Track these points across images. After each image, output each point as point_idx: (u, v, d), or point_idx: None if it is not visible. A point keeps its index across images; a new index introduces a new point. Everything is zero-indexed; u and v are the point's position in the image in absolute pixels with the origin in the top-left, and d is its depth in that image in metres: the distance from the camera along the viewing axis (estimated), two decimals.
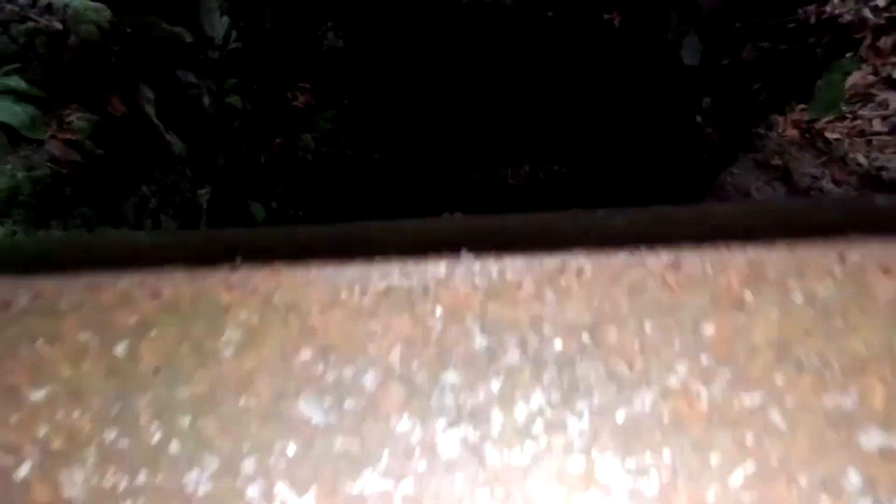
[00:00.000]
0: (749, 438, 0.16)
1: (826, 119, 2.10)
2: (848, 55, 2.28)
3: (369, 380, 0.15)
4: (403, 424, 0.15)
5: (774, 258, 0.15)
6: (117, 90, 2.62)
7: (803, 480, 0.16)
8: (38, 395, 0.17)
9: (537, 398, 0.16)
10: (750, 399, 0.16)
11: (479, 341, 0.15)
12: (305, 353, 0.16)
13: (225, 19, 3.92)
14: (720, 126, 3.99)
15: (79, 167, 2.13)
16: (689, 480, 0.16)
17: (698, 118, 4.17)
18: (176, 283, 0.17)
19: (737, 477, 0.16)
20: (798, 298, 0.16)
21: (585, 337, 0.16)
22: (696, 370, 0.16)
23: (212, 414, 0.16)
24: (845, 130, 1.98)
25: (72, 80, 2.21)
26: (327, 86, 4.48)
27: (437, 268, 0.15)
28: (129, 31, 2.65)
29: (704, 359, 0.16)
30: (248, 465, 0.15)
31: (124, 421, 0.16)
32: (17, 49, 2.03)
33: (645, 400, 0.15)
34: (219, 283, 0.17)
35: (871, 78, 2.12)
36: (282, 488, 0.15)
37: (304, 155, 4.26)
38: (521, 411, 0.15)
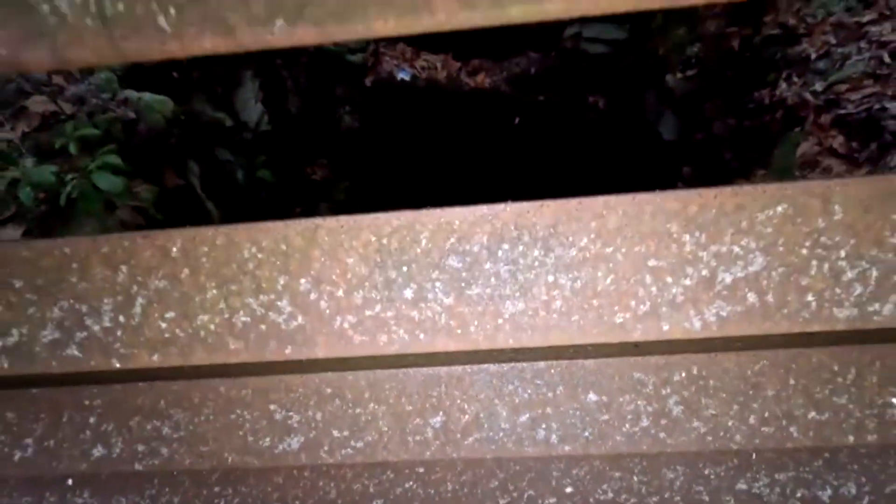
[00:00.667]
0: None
1: None
2: (797, 129, 2.69)
3: (475, 248, 0.42)
4: (489, 264, 0.42)
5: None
6: (172, 166, 3.03)
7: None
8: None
9: (520, 250, 0.43)
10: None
11: (507, 233, 0.43)
12: (452, 240, 0.43)
13: (259, 106, 4.44)
14: None
15: (142, 229, 2.46)
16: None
17: (679, 185, 4.57)
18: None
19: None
20: None
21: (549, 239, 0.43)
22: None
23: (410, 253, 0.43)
24: None
25: (140, 159, 2.60)
26: (343, 161, 4.92)
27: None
28: (183, 118, 3.10)
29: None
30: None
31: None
32: (99, 134, 2.44)
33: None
34: (375, 225, 0.45)
35: (816, 148, 2.51)
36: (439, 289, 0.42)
37: None
38: (518, 256, 0.42)
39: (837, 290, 0.41)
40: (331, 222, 0.44)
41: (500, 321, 0.44)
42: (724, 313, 0.42)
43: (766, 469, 0.84)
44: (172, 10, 0.23)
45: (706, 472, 0.85)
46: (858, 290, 0.41)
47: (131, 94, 2.69)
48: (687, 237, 0.42)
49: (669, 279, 0.42)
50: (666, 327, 0.42)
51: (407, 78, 4.47)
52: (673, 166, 4.52)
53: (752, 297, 0.42)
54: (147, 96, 2.82)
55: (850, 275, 0.41)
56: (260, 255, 0.44)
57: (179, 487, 0.92)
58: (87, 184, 1.62)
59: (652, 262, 0.42)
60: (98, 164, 1.66)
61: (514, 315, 0.44)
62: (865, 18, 2.71)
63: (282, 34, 0.23)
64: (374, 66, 4.40)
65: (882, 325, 0.41)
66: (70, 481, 0.94)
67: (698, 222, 0.42)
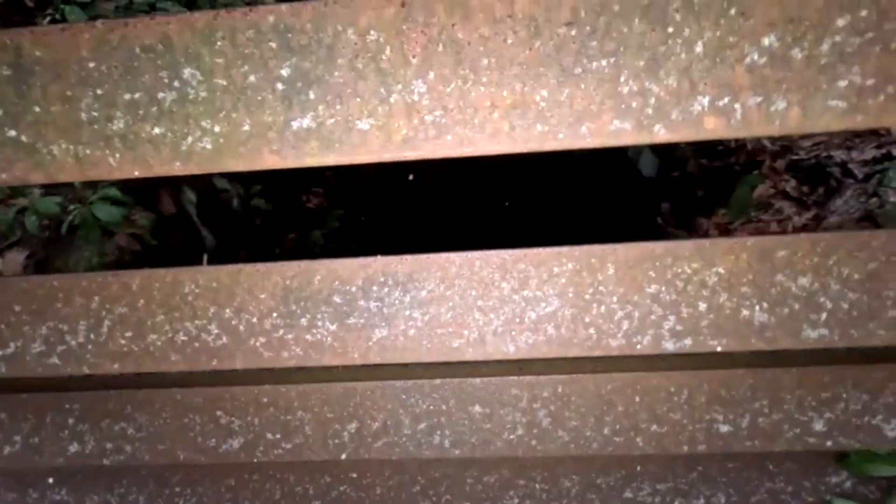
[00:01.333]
0: None
1: (739, 222, 2.62)
2: (755, 172, 2.87)
3: (353, 289, 0.58)
4: (363, 301, 0.58)
5: None
6: (170, 194, 3.22)
7: None
8: None
9: None
10: None
11: None
12: (336, 282, 0.59)
13: None
14: (679, 226, 4.55)
15: (138, 256, 2.63)
16: None
17: (659, 220, 4.76)
18: None
19: None
20: None
21: None
22: None
23: None
24: (752, 231, 2.49)
25: (139, 188, 2.79)
26: (338, 191, 5.13)
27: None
28: None
29: None
30: None
31: None
32: None
33: None
34: None
35: (771, 191, 2.68)
36: None
37: (314, 248, 4.77)
38: None
39: (611, 326, 0.57)
40: (249, 268, 0.60)
41: (370, 343, 0.59)
42: (531, 341, 0.57)
43: (648, 480, 0.98)
44: (118, 155, 0.38)
45: (598, 481, 0.99)
46: (626, 325, 0.57)
47: None
48: (505, 284, 0.58)
49: (492, 315, 0.58)
50: (490, 350, 0.58)
51: None
52: (653, 201, 4.72)
53: (550, 330, 0.57)
54: None
55: (619, 314, 0.57)
56: (197, 290, 0.60)
57: (144, 488, 1.06)
58: (88, 213, 1.80)
59: (479, 303, 0.58)
60: (99, 196, 1.84)
61: (380, 339, 0.59)
62: None
63: (179, 169, 0.39)
64: None
65: (642, 352, 0.57)
66: (51, 479, 1.09)
67: (512, 273, 0.58)
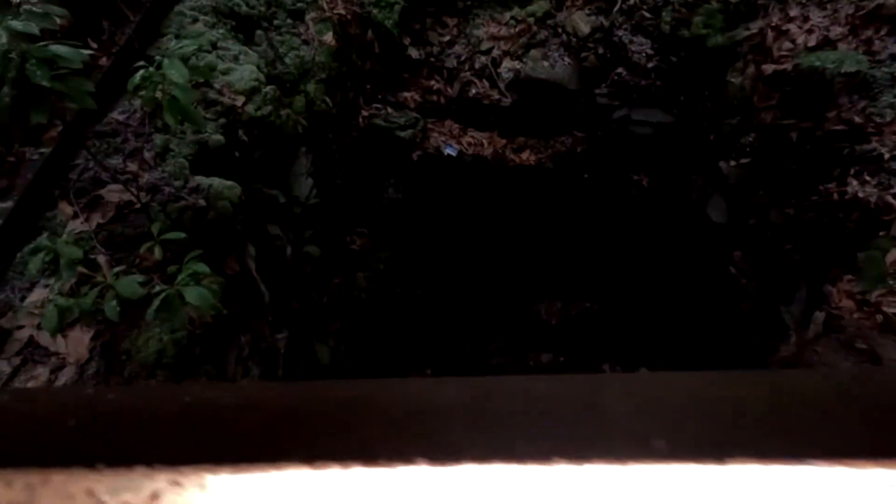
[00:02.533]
0: None
1: (877, 293, 2.31)
2: (882, 234, 2.57)
3: None
4: None
5: None
6: (234, 251, 2.93)
7: None
8: None
9: None
10: None
11: None
12: None
13: (309, 180, 4.40)
14: (755, 278, 4.22)
15: (209, 326, 2.31)
16: None
17: (732, 269, 4.42)
18: None
19: None
20: None
21: None
22: None
23: None
24: None
25: (207, 247, 2.49)
26: (384, 231, 4.85)
27: None
28: (242, 198, 3.01)
29: None
30: None
31: None
32: (170, 224, 2.36)
33: None
34: None
35: None
36: None
37: (359, 294, 4.46)
38: None
39: None
40: None
41: None
42: None
43: None
44: None
45: None
46: None
47: (202, 180, 2.64)
48: None
49: None
50: None
51: (453, 153, 4.49)
52: (722, 249, 4.40)
53: None
54: (216, 182, 2.77)
55: None
56: None
57: None
58: (175, 295, 1.52)
59: None
60: (187, 274, 1.56)
61: None
62: None
63: None
64: (422, 141, 4.43)
65: None
66: None
67: None
